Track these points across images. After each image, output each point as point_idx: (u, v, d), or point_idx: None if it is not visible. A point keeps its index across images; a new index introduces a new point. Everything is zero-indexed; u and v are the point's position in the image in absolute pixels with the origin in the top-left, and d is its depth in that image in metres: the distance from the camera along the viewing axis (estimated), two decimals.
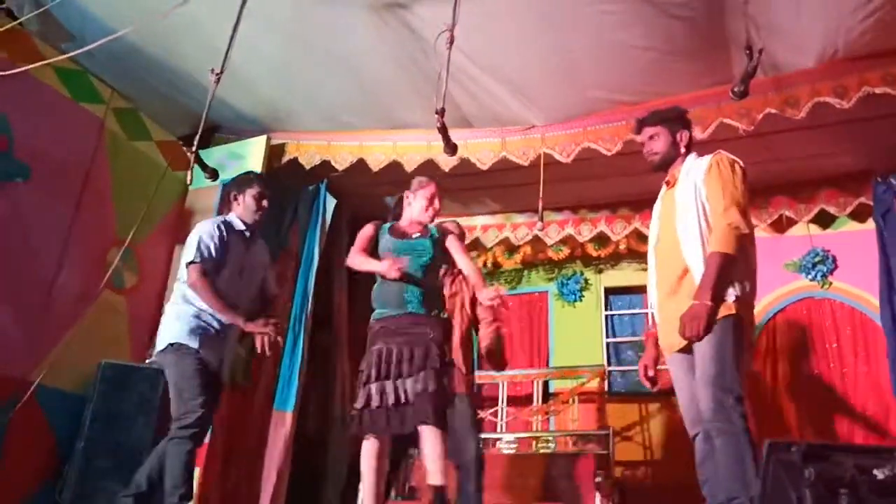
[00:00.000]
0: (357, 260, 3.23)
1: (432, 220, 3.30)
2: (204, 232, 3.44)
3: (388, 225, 3.32)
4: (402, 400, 2.89)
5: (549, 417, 5.65)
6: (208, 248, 3.38)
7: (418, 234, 3.24)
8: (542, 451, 4.98)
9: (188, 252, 3.38)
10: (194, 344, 3.27)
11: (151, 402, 4.13)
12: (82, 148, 4.48)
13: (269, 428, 4.71)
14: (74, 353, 4.15)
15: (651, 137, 3.05)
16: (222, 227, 3.49)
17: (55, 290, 4.18)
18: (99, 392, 4.05)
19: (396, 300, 3.07)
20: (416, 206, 3.31)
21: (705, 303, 2.56)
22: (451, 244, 3.26)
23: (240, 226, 3.58)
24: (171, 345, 3.28)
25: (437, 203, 3.31)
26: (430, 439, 2.86)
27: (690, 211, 2.79)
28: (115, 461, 3.95)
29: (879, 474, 1.65)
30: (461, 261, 3.24)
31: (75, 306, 4.27)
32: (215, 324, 3.35)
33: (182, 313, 3.35)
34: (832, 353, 5.11)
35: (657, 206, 3.10)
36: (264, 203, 3.62)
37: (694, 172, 2.88)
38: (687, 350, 2.74)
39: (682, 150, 3.00)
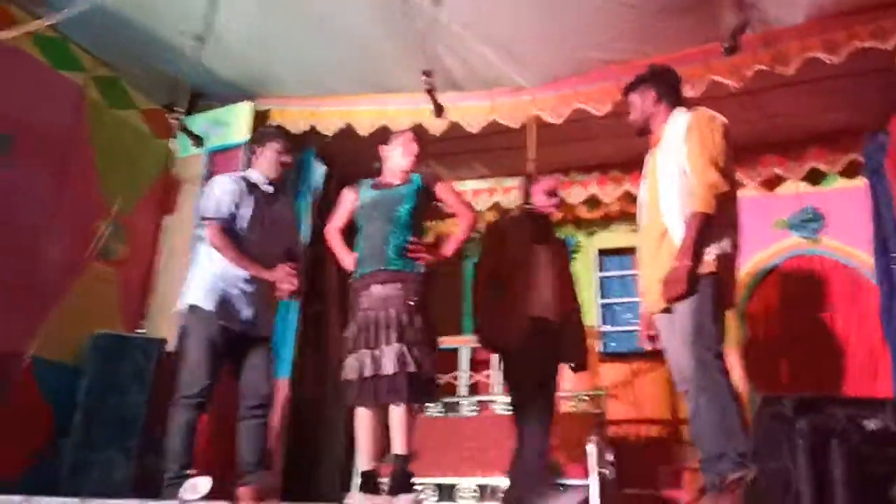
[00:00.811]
0: (333, 241, 3.29)
1: (413, 166, 3.22)
2: (220, 187, 3.36)
3: (370, 180, 3.27)
4: (380, 372, 2.84)
5: None
6: (225, 203, 3.30)
7: (398, 183, 3.18)
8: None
9: (205, 208, 3.32)
10: (209, 306, 3.19)
11: (145, 371, 4.13)
12: (63, 117, 4.40)
13: None
14: (66, 324, 4.15)
15: (629, 107, 3.09)
16: (240, 182, 3.42)
17: (43, 262, 4.15)
18: (93, 363, 4.05)
19: (375, 257, 3.02)
20: (394, 156, 3.25)
21: (685, 263, 2.58)
22: (444, 191, 3.21)
23: (260, 179, 3.50)
24: (189, 307, 3.23)
25: (414, 147, 3.22)
26: (398, 414, 2.87)
27: (670, 171, 2.79)
28: (111, 431, 3.96)
29: (871, 425, 1.67)
30: (457, 207, 3.21)
31: (65, 278, 4.25)
32: (239, 283, 3.27)
33: (200, 274, 3.29)
34: (823, 309, 5.15)
35: (645, 167, 3.10)
36: (285, 158, 3.53)
37: (675, 131, 2.86)
38: (669, 310, 2.76)
39: (652, 107, 3.00)
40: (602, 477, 4.13)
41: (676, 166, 2.77)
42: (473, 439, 4.73)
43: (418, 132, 3.36)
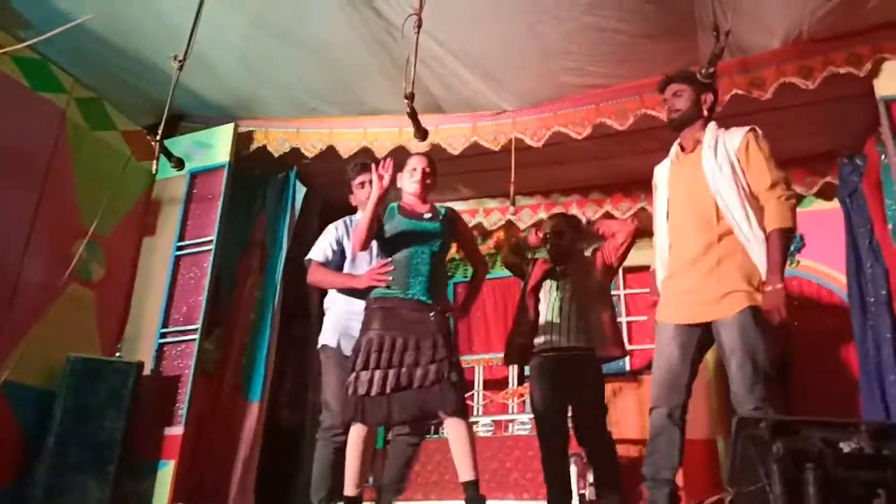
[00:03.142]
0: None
1: (423, 192, 3.15)
2: (324, 233, 3.56)
3: (395, 204, 3.18)
4: (405, 385, 2.73)
5: (525, 400, 5.68)
6: (324, 248, 3.48)
7: (429, 216, 3.10)
8: (517, 432, 5.03)
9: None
10: (333, 342, 3.35)
11: (122, 395, 4.09)
12: (43, 138, 4.37)
13: (236, 418, 4.67)
14: (42, 347, 4.08)
15: (675, 94, 2.99)
16: (342, 226, 3.57)
17: (20, 283, 4.09)
18: (68, 386, 3.99)
19: (399, 283, 2.94)
20: (405, 181, 3.19)
21: (779, 287, 2.56)
22: (464, 233, 3.22)
23: (357, 218, 3.62)
24: (321, 347, 3.42)
25: (421, 173, 3.13)
26: (456, 430, 2.74)
27: (729, 184, 2.75)
28: (86, 455, 3.92)
29: (845, 447, 1.68)
30: (472, 256, 3.25)
31: (41, 300, 4.19)
32: (357, 316, 3.27)
33: (327, 315, 3.48)
34: (799, 330, 5.19)
35: (665, 170, 3.05)
36: (366, 187, 3.55)
37: (727, 144, 2.83)
38: (701, 325, 2.75)
39: (705, 112, 2.96)
40: (582, 497, 4.13)
41: (734, 180, 2.75)
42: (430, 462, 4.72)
43: (404, 159, 3.30)
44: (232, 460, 4.56)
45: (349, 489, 2.89)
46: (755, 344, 2.59)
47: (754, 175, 2.75)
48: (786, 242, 2.65)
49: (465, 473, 2.72)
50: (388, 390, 2.74)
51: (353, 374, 2.82)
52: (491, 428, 5.15)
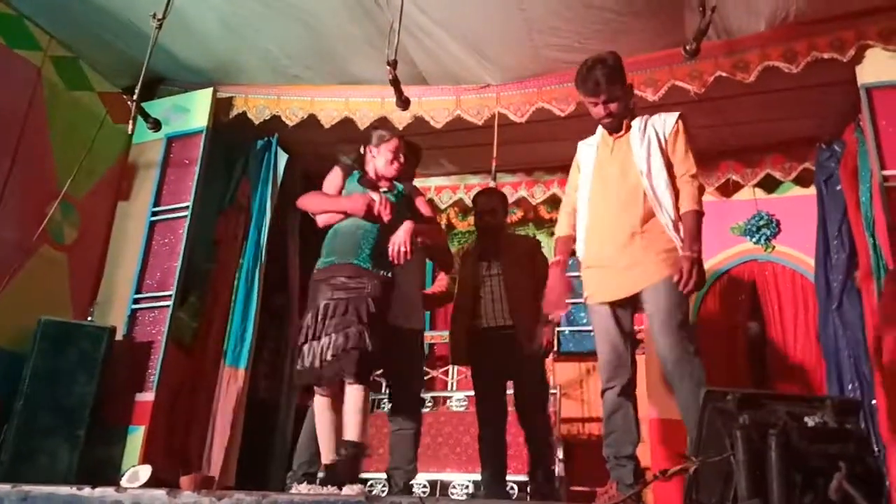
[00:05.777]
0: (318, 200, 3.19)
1: (398, 175, 3.23)
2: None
3: (357, 174, 3.25)
4: (327, 355, 2.84)
5: None
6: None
7: (386, 189, 3.18)
8: None
9: None
10: None
11: (93, 360, 4.03)
12: (18, 96, 4.27)
13: (217, 386, 4.65)
14: (12, 309, 4.01)
15: (611, 99, 2.92)
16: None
17: None
18: (38, 349, 3.93)
19: (346, 250, 3.01)
20: (379, 161, 3.24)
21: (695, 255, 2.71)
22: (423, 207, 3.27)
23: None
24: None
25: (401, 157, 3.24)
26: (350, 395, 2.84)
27: (657, 166, 2.86)
28: (55, 419, 3.87)
29: (810, 421, 1.71)
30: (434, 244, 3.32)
31: (13, 261, 4.12)
32: None
33: None
34: (773, 314, 5.25)
35: (591, 156, 3.09)
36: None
37: (655, 126, 2.93)
38: (625, 302, 2.85)
39: (628, 108, 3.03)
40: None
41: (661, 161, 2.86)
42: (427, 435, 4.73)
43: (405, 140, 3.39)
44: (208, 427, 4.55)
45: (328, 456, 2.93)
46: (679, 302, 2.74)
47: (679, 159, 2.89)
48: (700, 223, 2.80)
49: (350, 433, 2.81)
50: (316, 358, 2.85)
51: (303, 347, 2.93)
52: (464, 403, 5.17)
